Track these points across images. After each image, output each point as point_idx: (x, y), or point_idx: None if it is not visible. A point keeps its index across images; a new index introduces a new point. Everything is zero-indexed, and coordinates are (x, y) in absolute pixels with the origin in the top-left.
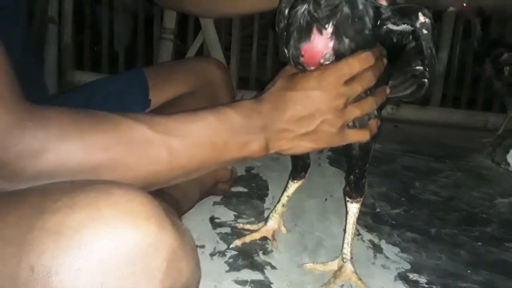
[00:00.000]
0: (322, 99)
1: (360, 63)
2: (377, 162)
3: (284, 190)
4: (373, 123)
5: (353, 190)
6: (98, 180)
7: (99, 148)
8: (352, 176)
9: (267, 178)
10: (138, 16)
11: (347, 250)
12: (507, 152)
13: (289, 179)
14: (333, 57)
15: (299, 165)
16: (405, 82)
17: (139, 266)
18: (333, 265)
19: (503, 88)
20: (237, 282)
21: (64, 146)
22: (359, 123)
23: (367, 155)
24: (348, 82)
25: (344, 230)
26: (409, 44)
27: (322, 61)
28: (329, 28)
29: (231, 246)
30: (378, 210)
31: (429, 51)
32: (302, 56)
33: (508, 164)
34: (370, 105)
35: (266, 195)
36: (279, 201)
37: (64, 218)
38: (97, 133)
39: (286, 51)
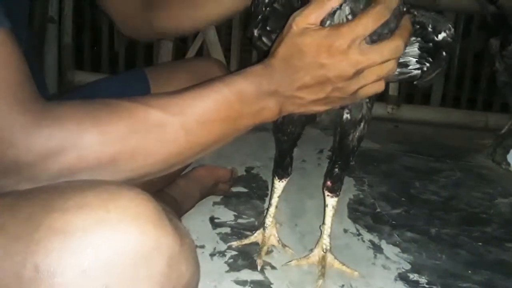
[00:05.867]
0: (332, 68)
1: (374, 19)
2: (377, 162)
3: (272, 192)
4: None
5: (336, 184)
6: (108, 181)
7: (116, 139)
8: (336, 169)
9: (267, 178)
10: None
11: (327, 240)
12: (508, 152)
13: (273, 179)
14: None
15: (286, 162)
16: None
17: (141, 270)
18: (314, 256)
19: (505, 72)
20: (237, 282)
21: (82, 141)
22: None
23: (358, 145)
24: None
25: (323, 223)
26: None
27: None
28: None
29: (259, 268)
30: (378, 210)
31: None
32: None
33: (509, 164)
34: (390, 67)
35: (266, 195)
36: (270, 205)
37: (72, 218)
38: (112, 123)
39: None
